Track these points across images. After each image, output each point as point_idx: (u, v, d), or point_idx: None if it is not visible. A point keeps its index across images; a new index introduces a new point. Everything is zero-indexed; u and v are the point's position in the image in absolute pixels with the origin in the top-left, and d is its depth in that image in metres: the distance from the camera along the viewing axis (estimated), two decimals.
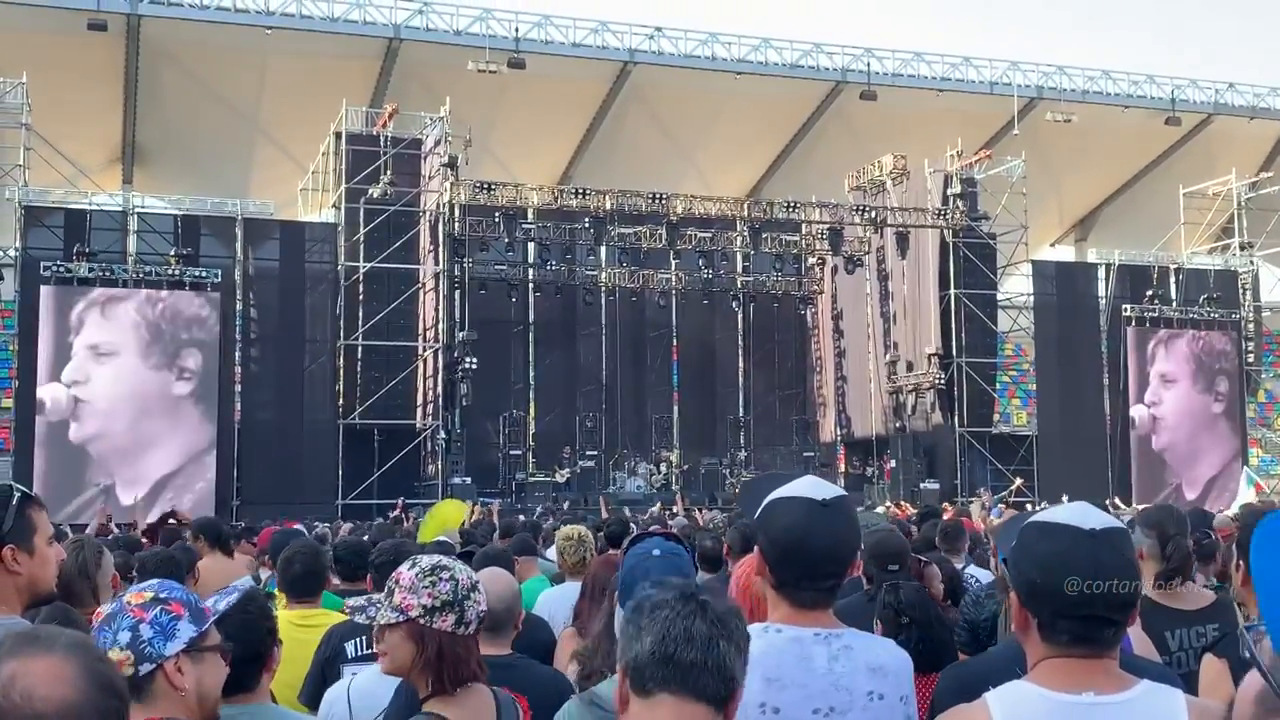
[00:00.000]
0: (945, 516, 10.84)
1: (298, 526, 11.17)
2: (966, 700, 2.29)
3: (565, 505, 24.69)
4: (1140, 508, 21.84)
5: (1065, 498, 17.95)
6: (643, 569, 3.15)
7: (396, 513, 21.51)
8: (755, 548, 2.80)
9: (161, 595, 2.55)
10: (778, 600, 2.70)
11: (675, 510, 22.15)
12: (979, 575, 6.58)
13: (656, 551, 3.26)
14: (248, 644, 3.01)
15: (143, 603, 2.52)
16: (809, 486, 2.72)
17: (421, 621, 2.89)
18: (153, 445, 26.06)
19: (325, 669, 4.70)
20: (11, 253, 27.17)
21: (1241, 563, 3.77)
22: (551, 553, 7.55)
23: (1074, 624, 2.18)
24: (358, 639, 4.87)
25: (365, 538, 8.31)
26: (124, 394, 26.06)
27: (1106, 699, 2.15)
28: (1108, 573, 2.18)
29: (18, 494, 2.94)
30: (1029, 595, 2.25)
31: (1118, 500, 26.98)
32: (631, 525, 10.71)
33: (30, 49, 30.19)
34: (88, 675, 1.71)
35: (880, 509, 19.92)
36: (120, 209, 28.80)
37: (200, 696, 2.55)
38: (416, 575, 2.95)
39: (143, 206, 29.28)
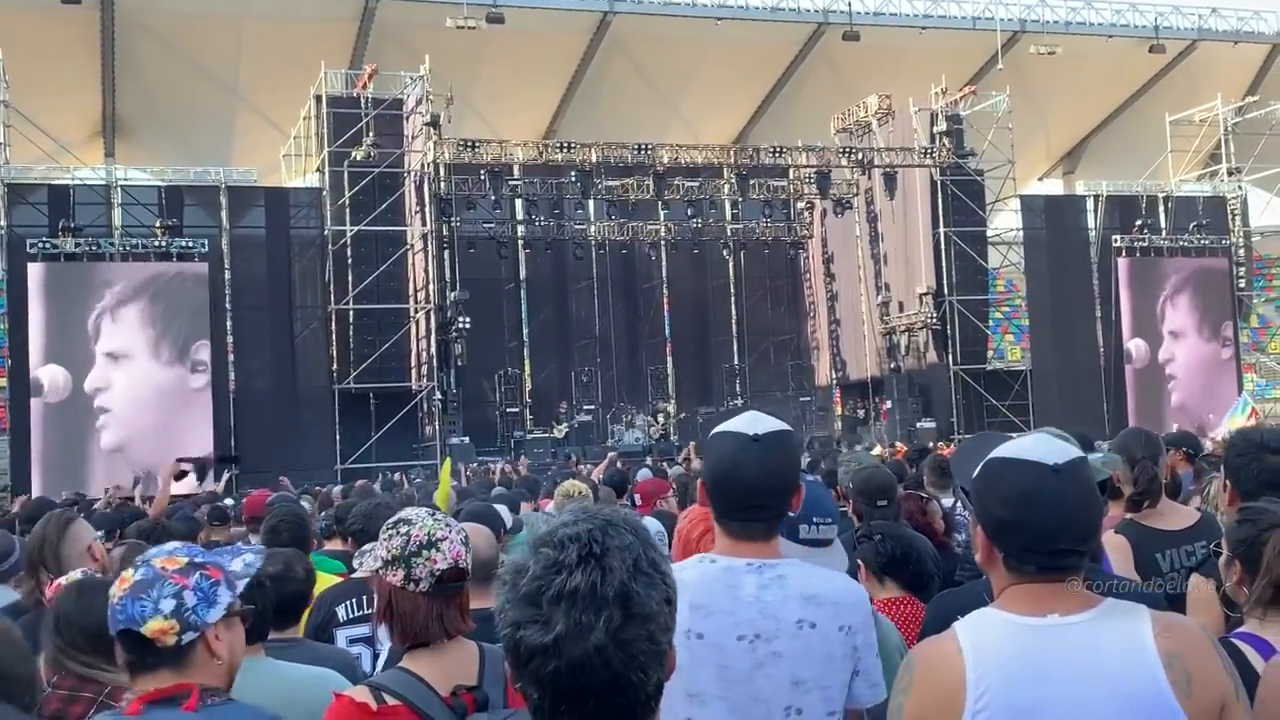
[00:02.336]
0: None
1: (283, 492, 11.19)
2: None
3: (572, 459, 24.55)
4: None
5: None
6: None
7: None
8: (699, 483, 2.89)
9: (197, 560, 2.49)
10: (719, 532, 2.78)
11: (679, 461, 22.03)
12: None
13: None
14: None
15: (180, 568, 2.45)
16: (745, 422, 2.78)
17: (380, 573, 2.87)
18: (179, 439, 26.26)
19: (318, 635, 4.67)
20: None
21: (1228, 483, 3.74)
22: (550, 507, 7.53)
23: (1041, 558, 2.22)
24: (348, 602, 4.84)
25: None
26: (145, 396, 26.20)
27: (1069, 619, 2.18)
28: (1073, 507, 2.22)
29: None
30: (995, 531, 2.28)
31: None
32: (629, 477, 10.73)
33: (4, 25, 29.82)
34: None
35: (875, 449, 19.90)
36: (104, 182, 28.57)
37: (230, 664, 2.54)
38: (384, 528, 2.94)
39: (126, 179, 29.03)
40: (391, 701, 2.73)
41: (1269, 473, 3.57)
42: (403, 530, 2.90)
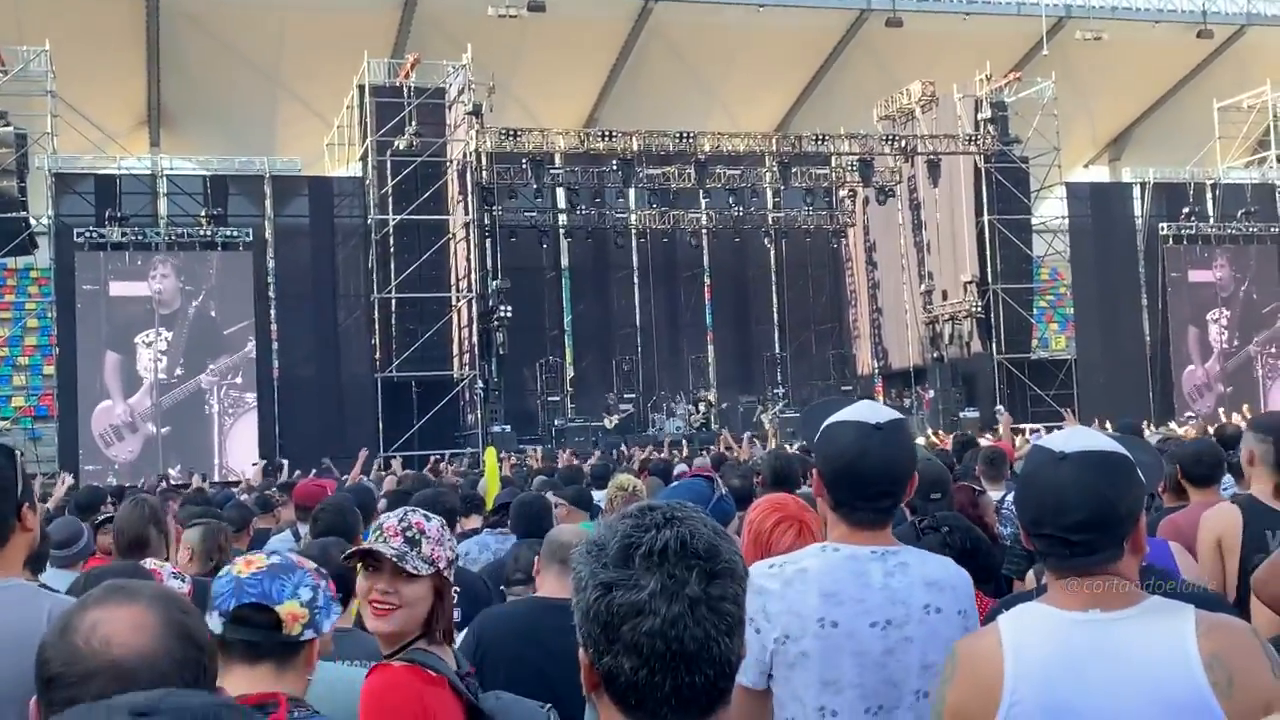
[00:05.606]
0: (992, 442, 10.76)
1: (330, 480, 11.28)
2: None
3: (622, 450, 24.47)
4: (1178, 429, 21.61)
5: (1108, 423, 17.83)
6: None
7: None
8: (814, 471, 2.97)
9: (323, 570, 2.53)
10: (836, 520, 2.84)
11: (723, 450, 21.99)
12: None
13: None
14: None
15: (314, 569, 2.49)
16: (864, 410, 2.87)
17: (446, 574, 2.89)
18: (223, 428, 26.71)
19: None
20: (45, 220, 27.29)
21: None
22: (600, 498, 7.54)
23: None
24: None
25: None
26: (197, 406, 26.64)
27: (1110, 615, 2.19)
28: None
29: (19, 453, 2.93)
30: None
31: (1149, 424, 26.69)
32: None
33: (51, 16, 30.17)
34: (168, 625, 1.72)
35: (920, 440, 19.78)
36: (149, 172, 28.86)
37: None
38: (439, 527, 2.95)
39: (171, 169, 29.31)
40: (434, 675, 2.80)
41: None
42: (450, 532, 2.96)
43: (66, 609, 1.83)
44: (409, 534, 2.90)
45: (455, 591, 3.13)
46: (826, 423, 2.86)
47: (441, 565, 2.89)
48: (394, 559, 2.83)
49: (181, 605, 1.83)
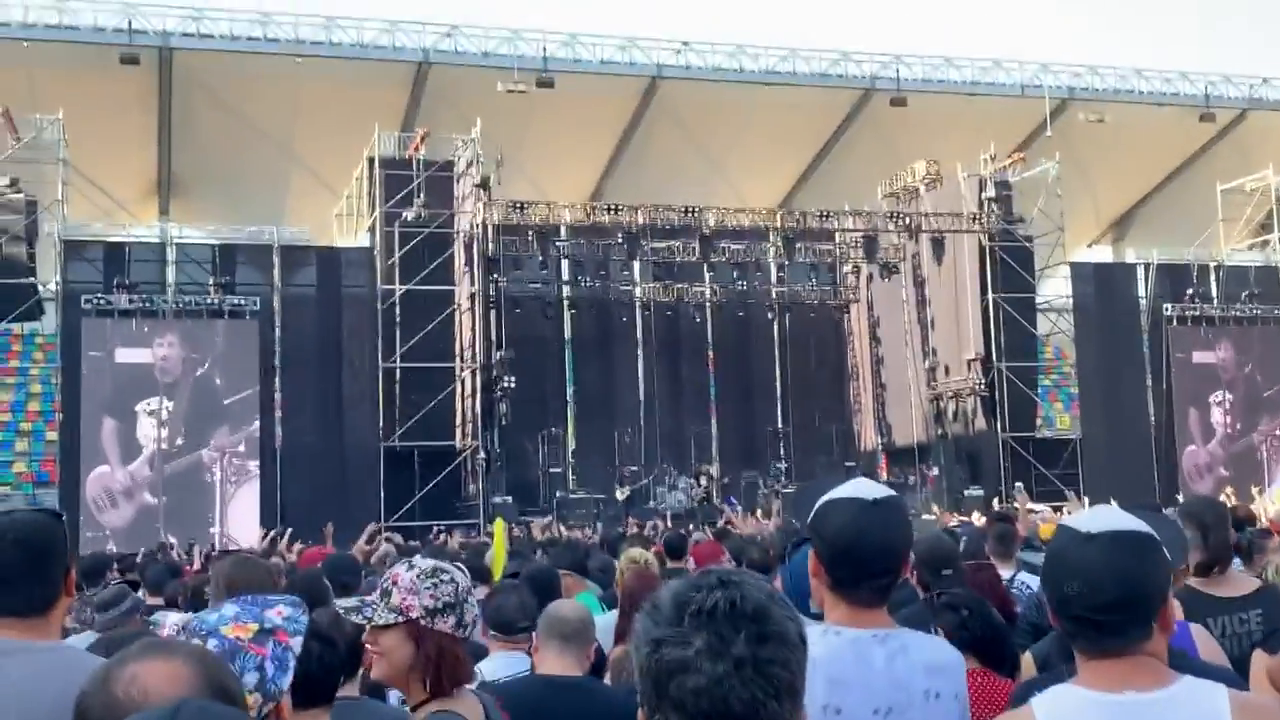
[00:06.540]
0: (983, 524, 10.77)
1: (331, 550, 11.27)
2: None
3: (657, 523, 24.35)
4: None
5: (1112, 501, 17.69)
6: None
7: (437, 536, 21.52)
8: (810, 550, 2.89)
9: (266, 626, 2.35)
10: (835, 600, 2.78)
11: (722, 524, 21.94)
12: (1029, 581, 6.52)
13: None
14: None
15: (253, 636, 2.30)
16: (859, 487, 2.82)
17: (422, 622, 2.93)
18: (224, 495, 26.72)
19: (373, 694, 4.70)
20: (52, 286, 27.47)
21: None
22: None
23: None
24: None
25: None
26: (197, 475, 26.68)
27: (1145, 696, 2.19)
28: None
29: (63, 516, 3.00)
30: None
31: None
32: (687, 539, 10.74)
33: (64, 85, 30.59)
34: (203, 679, 1.80)
35: (929, 516, 19.77)
36: (158, 240, 29.15)
37: None
38: (417, 576, 3.00)
39: (180, 237, 29.59)
40: None
41: None
42: (446, 579, 2.98)
43: (106, 662, 1.90)
44: (384, 586, 3.02)
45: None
46: (821, 501, 2.82)
47: (415, 614, 2.93)
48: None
49: (215, 661, 1.92)
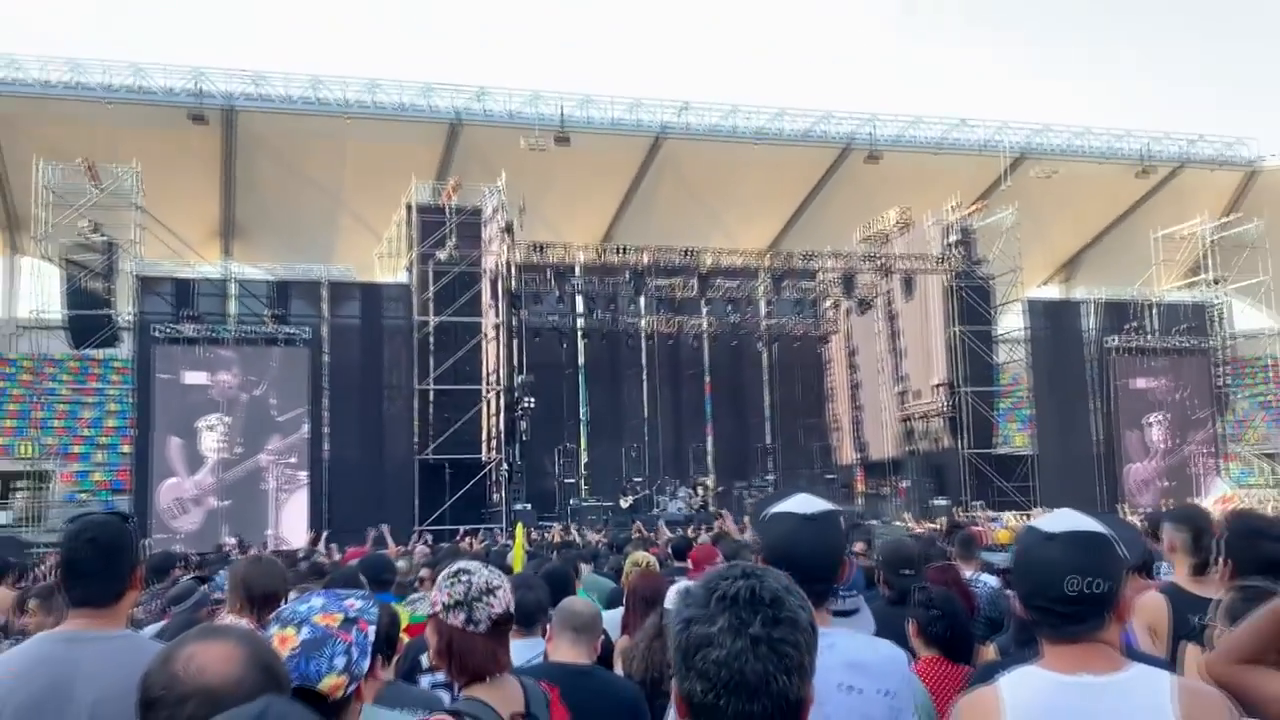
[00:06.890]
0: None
1: (368, 548, 11.25)
2: None
3: (635, 525, 24.33)
4: (1148, 510, 21.46)
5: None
6: None
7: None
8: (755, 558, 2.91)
9: (350, 615, 2.37)
10: None
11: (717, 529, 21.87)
12: (988, 580, 6.51)
13: None
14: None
15: (340, 624, 2.32)
16: (799, 503, 2.79)
17: (440, 616, 2.93)
18: (278, 504, 26.68)
19: (404, 680, 4.69)
20: (128, 317, 27.54)
21: (1227, 561, 3.73)
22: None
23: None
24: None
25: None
26: (249, 464, 26.61)
27: (1100, 679, 2.21)
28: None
29: (132, 518, 3.01)
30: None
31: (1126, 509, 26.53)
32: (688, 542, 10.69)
33: (141, 140, 30.79)
34: (253, 659, 1.82)
35: (899, 523, 19.71)
36: (221, 277, 29.18)
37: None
38: (443, 577, 3.02)
39: (240, 274, 29.65)
40: None
41: (1263, 558, 3.58)
42: (464, 579, 2.97)
43: (168, 644, 1.91)
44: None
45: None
46: (765, 513, 2.82)
47: (436, 609, 2.94)
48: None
49: (264, 644, 1.92)
